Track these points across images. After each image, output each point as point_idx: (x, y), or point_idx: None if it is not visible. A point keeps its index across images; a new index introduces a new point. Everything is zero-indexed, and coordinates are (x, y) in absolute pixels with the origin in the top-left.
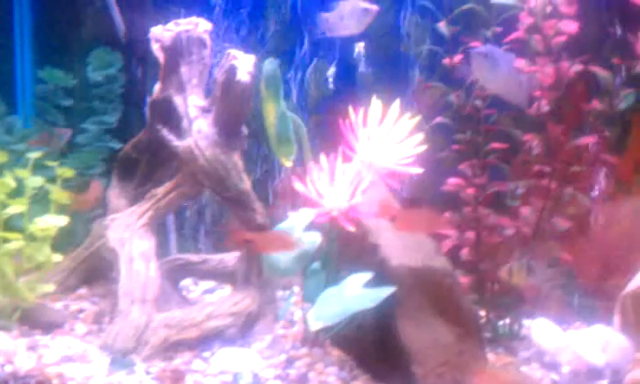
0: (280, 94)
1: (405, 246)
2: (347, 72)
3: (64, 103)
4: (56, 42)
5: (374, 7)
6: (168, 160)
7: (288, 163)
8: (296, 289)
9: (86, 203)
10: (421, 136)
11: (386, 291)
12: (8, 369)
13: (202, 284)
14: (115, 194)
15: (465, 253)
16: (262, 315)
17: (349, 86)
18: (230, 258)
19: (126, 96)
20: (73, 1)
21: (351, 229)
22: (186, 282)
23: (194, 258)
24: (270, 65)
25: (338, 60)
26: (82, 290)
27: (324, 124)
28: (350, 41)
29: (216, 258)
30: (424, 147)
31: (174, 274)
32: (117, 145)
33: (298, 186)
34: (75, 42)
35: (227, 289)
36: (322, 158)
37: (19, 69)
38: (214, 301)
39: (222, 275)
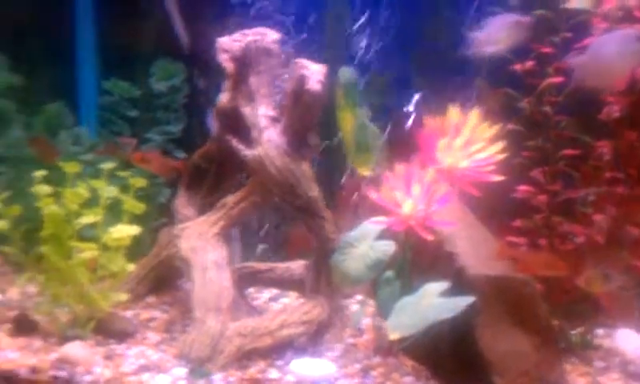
0: (357, 103)
1: (482, 255)
2: (405, 79)
3: (129, 114)
4: (120, 54)
5: (527, 19)
6: (235, 169)
7: (366, 172)
8: (359, 297)
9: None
10: (502, 143)
11: (466, 301)
12: (88, 378)
13: (265, 292)
14: (182, 204)
15: None
16: (332, 324)
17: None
18: (297, 266)
19: (189, 106)
20: (136, 12)
21: (429, 237)
22: (249, 290)
23: (260, 266)
24: (348, 73)
25: (396, 69)
26: (151, 299)
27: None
28: (407, 51)
29: (282, 266)
30: (505, 155)
31: (241, 282)
32: (181, 154)
33: (373, 194)
34: (138, 53)
35: (291, 296)
36: (399, 166)
37: (83, 80)
38: (285, 309)
39: (289, 283)
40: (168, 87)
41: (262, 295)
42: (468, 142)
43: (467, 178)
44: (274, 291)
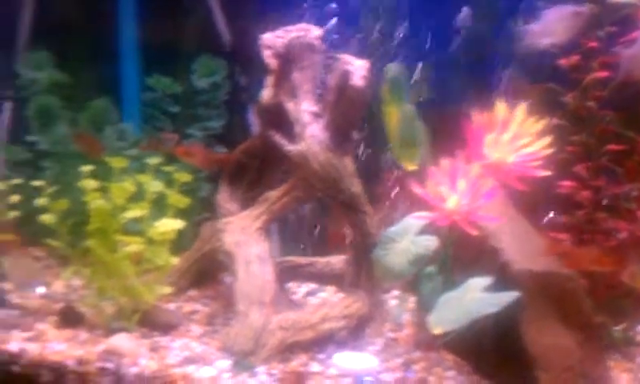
0: (404, 98)
1: (526, 250)
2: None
3: (171, 110)
4: (162, 50)
5: (584, 9)
6: (277, 165)
7: (412, 167)
8: (397, 292)
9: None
10: (548, 138)
11: (510, 296)
12: (134, 370)
13: (303, 286)
14: (225, 198)
15: None
16: (372, 318)
17: (443, 87)
18: (337, 261)
19: (230, 102)
20: (178, 9)
21: (473, 232)
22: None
23: (300, 260)
24: (395, 69)
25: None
26: (193, 292)
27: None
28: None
29: (322, 261)
30: (551, 150)
31: (282, 276)
32: (222, 150)
33: (417, 189)
34: (180, 50)
35: (329, 291)
36: (444, 160)
37: (127, 77)
38: (325, 303)
39: (329, 278)
40: (209, 84)
41: (300, 290)
42: (515, 136)
43: (514, 173)
44: (312, 286)
